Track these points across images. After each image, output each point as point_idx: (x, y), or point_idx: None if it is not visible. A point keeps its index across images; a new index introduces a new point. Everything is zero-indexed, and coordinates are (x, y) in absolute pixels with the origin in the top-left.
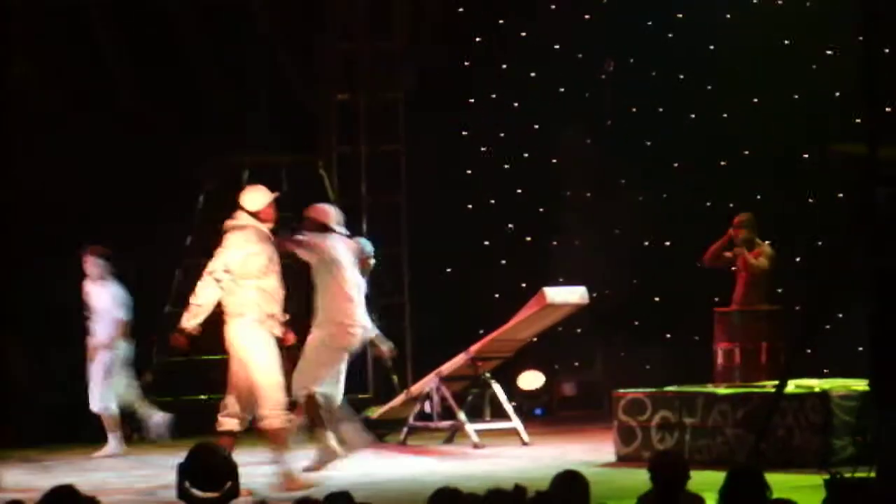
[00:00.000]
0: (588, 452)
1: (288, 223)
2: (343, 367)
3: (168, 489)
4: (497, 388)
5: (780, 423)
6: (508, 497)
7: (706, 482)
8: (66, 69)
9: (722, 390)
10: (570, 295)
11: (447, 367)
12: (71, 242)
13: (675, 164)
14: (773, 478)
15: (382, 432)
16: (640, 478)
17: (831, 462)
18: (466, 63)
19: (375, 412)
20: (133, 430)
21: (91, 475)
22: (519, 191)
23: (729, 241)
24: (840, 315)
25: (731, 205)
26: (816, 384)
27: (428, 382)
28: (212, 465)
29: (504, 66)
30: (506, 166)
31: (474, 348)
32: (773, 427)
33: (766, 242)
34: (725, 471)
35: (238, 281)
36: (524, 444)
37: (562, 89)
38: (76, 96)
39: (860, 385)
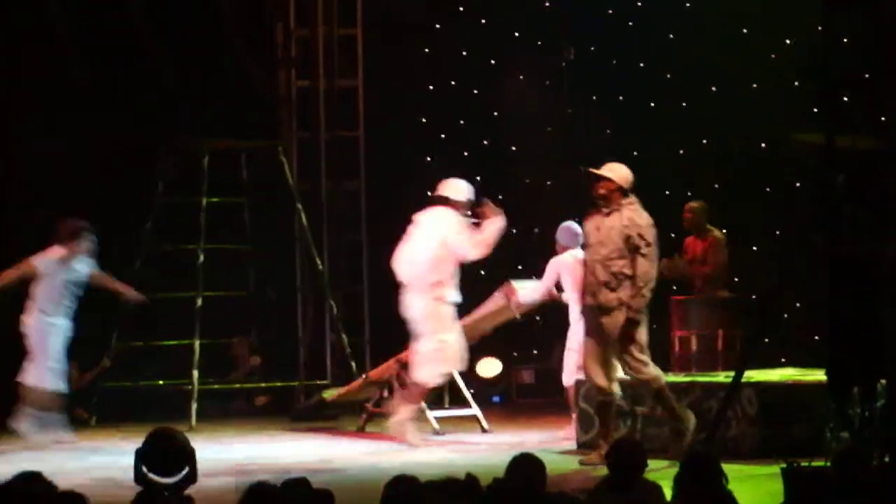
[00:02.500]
0: (547, 440)
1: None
2: None
3: (126, 474)
4: (456, 376)
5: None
6: (462, 485)
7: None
8: (16, 50)
9: (668, 379)
10: (536, 292)
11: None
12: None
13: (635, 153)
14: (728, 467)
15: (335, 413)
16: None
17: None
18: (426, 50)
19: (331, 395)
20: (90, 414)
21: (48, 460)
22: (478, 178)
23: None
24: (797, 304)
25: (689, 193)
26: (754, 374)
27: (387, 369)
28: (169, 451)
29: (464, 53)
30: (465, 153)
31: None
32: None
33: (718, 230)
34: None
35: None
36: (483, 430)
37: (521, 77)
38: (28, 80)
39: (806, 375)
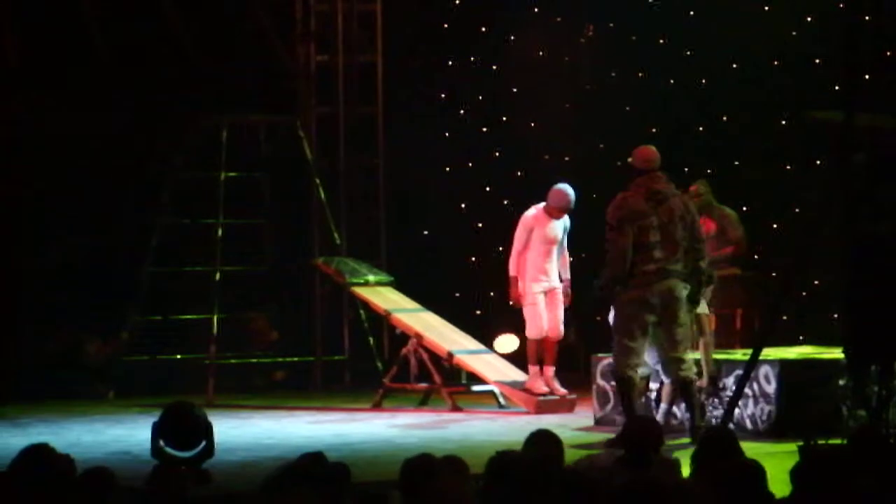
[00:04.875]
0: (564, 416)
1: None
2: None
3: (143, 448)
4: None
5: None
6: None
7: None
8: (43, 27)
9: (688, 355)
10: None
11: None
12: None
13: (654, 130)
14: (745, 445)
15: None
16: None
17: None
18: (445, 25)
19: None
20: (109, 388)
21: (65, 434)
22: (497, 154)
23: None
24: (816, 282)
25: (709, 171)
26: (772, 352)
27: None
28: (187, 425)
29: (483, 30)
30: (484, 129)
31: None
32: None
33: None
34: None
35: None
36: (500, 406)
37: (540, 53)
38: (53, 53)
39: (823, 353)
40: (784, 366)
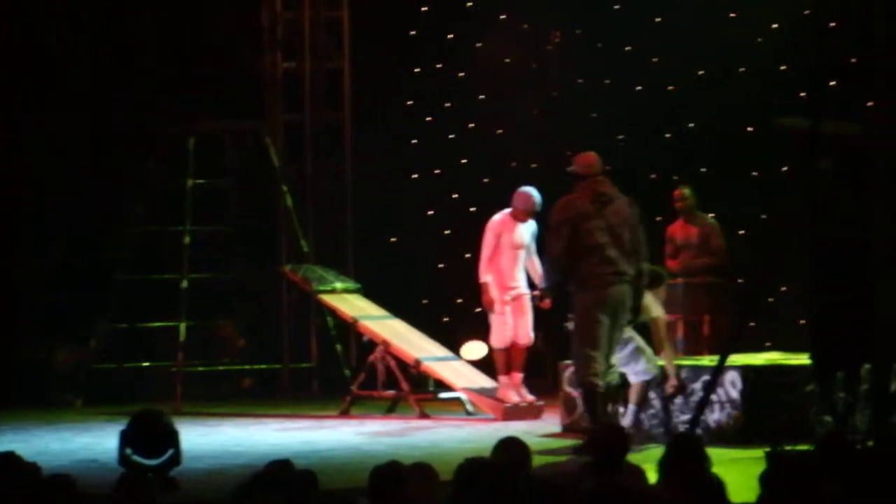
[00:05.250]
0: (532, 422)
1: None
2: None
3: (110, 456)
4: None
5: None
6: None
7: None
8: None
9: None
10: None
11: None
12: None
13: (620, 137)
14: (712, 451)
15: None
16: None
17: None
18: (412, 32)
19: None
20: (77, 396)
21: (34, 441)
22: (464, 161)
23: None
24: (783, 289)
25: (676, 177)
26: (740, 358)
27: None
28: (154, 433)
29: (450, 37)
30: (451, 136)
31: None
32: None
33: (708, 216)
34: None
35: None
36: (468, 413)
37: (507, 60)
38: (16, 61)
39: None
40: (751, 372)
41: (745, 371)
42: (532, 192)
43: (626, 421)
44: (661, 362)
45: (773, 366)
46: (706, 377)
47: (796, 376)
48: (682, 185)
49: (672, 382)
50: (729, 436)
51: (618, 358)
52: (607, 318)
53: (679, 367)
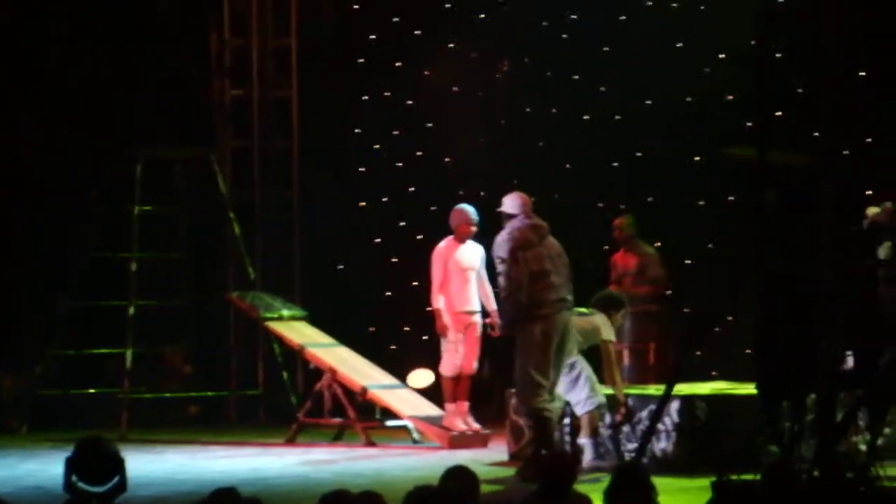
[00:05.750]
0: (478, 451)
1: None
2: None
3: (56, 483)
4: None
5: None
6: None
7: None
8: None
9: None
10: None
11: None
12: None
13: (568, 166)
14: (658, 480)
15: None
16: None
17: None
18: (360, 60)
19: None
20: (21, 422)
21: None
22: (411, 189)
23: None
24: (729, 318)
25: (623, 206)
26: (685, 387)
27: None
28: (99, 459)
29: (398, 65)
30: (398, 164)
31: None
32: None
33: (648, 244)
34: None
35: None
36: (414, 441)
37: (455, 88)
38: None
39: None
40: (696, 401)
41: (691, 400)
42: (463, 206)
43: (586, 456)
44: (607, 390)
45: (719, 395)
46: (652, 406)
47: (742, 405)
48: (623, 215)
49: (621, 410)
50: (674, 464)
51: (562, 383)
52: (555, 345)
53: (626, 395)
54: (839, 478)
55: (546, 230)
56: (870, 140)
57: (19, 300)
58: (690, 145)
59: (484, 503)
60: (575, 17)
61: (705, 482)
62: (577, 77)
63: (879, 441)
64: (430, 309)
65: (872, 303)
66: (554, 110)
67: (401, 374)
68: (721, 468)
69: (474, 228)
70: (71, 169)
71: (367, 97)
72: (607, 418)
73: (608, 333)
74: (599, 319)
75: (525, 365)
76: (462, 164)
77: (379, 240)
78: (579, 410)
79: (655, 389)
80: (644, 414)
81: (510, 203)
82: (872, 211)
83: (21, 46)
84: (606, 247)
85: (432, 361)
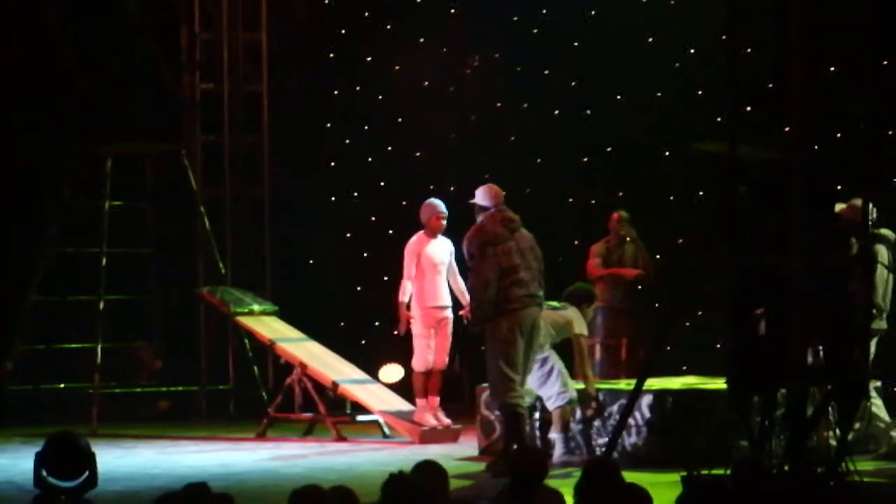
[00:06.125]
0: (448, 446)
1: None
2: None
3: (26, 478)
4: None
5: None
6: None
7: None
8: None
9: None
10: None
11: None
12: None
13: (538, 161)
14: (628, 475)
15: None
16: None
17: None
18: (331, 55)
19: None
20: None
21: None
22: (382, 184)
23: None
24: (699, 313)
25: (593, 201)
26: (655, 382)
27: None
28: (69, 454)
29: (368, 59)
30: (369, 159)
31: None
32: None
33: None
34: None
35: None
36: (385, 436)
37: (426, 83)
38: None
39: (707, 383)
40: (666, 396)
41: (661, 395)
42: (432, 200)
43: (557, 450)
44: (578, 385)
45: (689, 390)
46: (623, 400)
47: (712, 401)
48: (619, 210)
49: (592, 405)
50: (644, 459)
51: (534, 378)
52: (523, 341)
53: (597, 389)
54: (809, 473)
55: (518, 223)
56: (839, 135)
57: None
58: (661, 140)
59: (454, 498)
60: (545, 12)
61: (675, 477)
62: (547, 72)
63: (850, 436)
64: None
65: (843, 298)
66: (524, 105)
67: (371, 369)
68: (690, 463)
69: (444, 222)
70: (40, 162)
71: (337, 92)
72: (578, 413)
73: (580, 328)
74: (572, 313)
75: (495, 360)
76: (433, 160)
77: (350, 235)
78: (551, 405)
79: (626, 384)
80: (615, 409)
81: (482, 195)
82: (839, 207)
83: None
84: (577, 242)
85: (403, 356)
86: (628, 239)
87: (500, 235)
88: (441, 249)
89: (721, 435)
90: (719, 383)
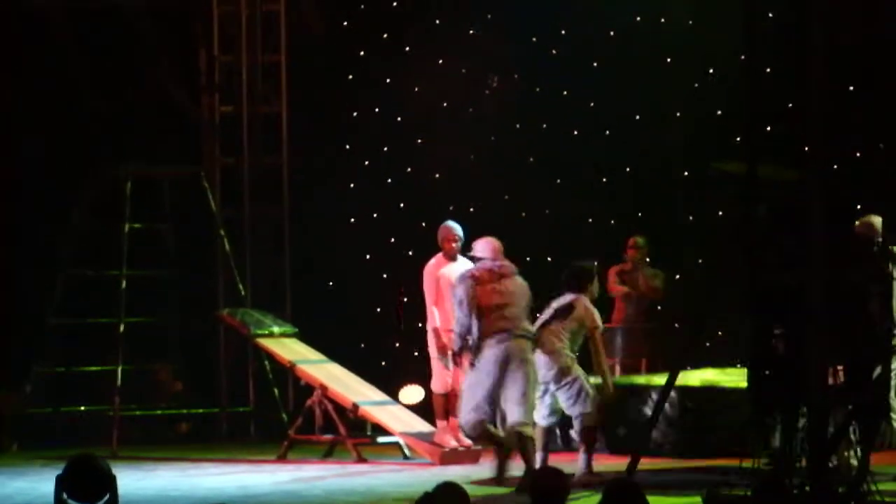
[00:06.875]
0: (469, 467)
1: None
2: None
3: (46, 500)
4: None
5: (637, 411)
6: None
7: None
8: None
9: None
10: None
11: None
12: None
13: (558, 181)
14: (651, 498)
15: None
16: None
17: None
18: (349, 76)
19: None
20: (13, 440)
21: None
22: (402, 205)
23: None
24: (720, 333)
25: (612, 222)
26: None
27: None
28: (90, 477)
29: (387, 81)
30: (388, 181)
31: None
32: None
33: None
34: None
35: None
36: (405, 458)
37: (445, 104)
38: None
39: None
40: (686, 392)
41: (681, 391)
42: (447, 222)
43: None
44: (596, 379)
45: (709, 386)
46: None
47: (731, 397)
48: (636, 235)
49: (609, 392)
50: (664, 452)
51: (563, 399)
52: (503, 370)
53: (615, 385)
54: (831, 493)
55: (508, 271)
56: (859, 154)
57: (8, 318)
58: (679, 160)
59: None
60: (564, 32)
61: (697, 499)
62: (566, 93)
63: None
64: (430, 327)
65: (863, 317)
66: (544, 126)
67: (391, 390)
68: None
69: (456, 245)
70: (61, 185)
71: (356, 113)
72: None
73: (593, 320)
74: (580, 311)
75: (472, 388)
76: (452, 181)
77: (369, 256)
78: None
79: (645, 379)
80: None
81: (480, 248)
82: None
83: (9, 64)
84: (596, 262)
85: (423, 378)
86: (648, 260)
87: (481, 279)
88: (458, 271)
89: (743, 432)
90: (735, 375)
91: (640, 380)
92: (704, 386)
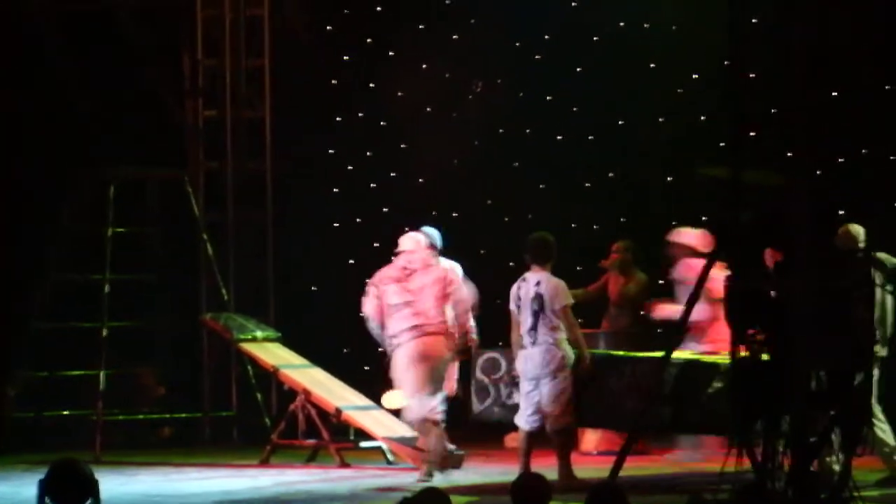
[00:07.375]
0: (451, 472)
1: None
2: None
3: None
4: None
5: (615, 384)
6: None
7: None
8: None
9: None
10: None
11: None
12: None
13: (542, 186)
14: (634, 500)
15: None
16: (503, 501)
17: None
18: (333, 81)
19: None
20: None
21: None
22: (385, 209)
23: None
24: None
25: (596, 226)
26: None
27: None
28: (73, 481)
29: (371, 85)
30: (372, 185)
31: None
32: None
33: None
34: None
35: None
36: (389, 462)
37: (428, 109)
38: None
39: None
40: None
41: (637, 361)
42: (423, 229)
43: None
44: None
45: (694, 361)
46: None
47: (715, 372)
48: (621, 240)
49: (585, 367)
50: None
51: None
52: (418, 366)
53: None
54: (813, 498)
55: (420, 265)
56: (842, 160)
57: None
58: (664, 165)
59: None
60: (548, 37)
61: (681, 502)
62: (549, 97)
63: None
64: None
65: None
66: (527, 130)
67: (375, 395)
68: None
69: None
70: (44, 188)
71: (340, 118)
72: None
73: (561, 300)
74: (549, 291)
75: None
76: (436, 185)
77: (353, 261)
78: (548, 426)
79: (624, 353)
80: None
81: (402, 243)
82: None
83: None
84: (579, 267)
85: None
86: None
87: (386, 279)
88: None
89: (714, 403)
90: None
91: (619, 353)
92: (691, 360)
